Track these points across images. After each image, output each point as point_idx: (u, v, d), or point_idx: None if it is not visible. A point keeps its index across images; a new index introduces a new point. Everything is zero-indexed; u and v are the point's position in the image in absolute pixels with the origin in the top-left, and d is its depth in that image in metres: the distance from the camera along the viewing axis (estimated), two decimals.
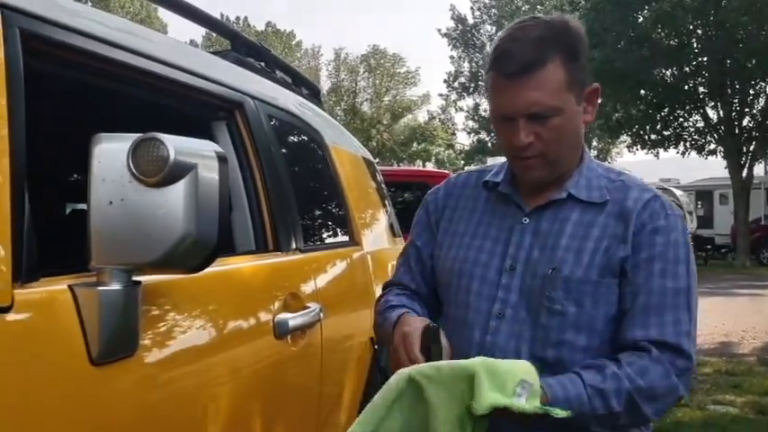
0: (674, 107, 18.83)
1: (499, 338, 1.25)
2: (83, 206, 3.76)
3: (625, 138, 20.78)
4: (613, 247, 1.23)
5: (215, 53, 2.12)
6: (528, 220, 1.30)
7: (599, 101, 1.32)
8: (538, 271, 1.25)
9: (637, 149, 20.41)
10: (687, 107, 19.04)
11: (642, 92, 18.19)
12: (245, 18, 37.80)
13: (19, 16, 1.11)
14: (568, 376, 1.16)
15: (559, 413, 1.04)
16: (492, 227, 1.34)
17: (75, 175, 3.60)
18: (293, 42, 38.37)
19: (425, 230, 1.44)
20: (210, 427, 1.33)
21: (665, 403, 1.19)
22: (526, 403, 1.04)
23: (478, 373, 1.04)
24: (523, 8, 28.94)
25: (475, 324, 1.27)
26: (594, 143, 29.90)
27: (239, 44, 2.28)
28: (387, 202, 3.26)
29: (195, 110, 1.76)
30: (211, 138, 1.75)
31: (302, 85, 2.81)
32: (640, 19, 17.09)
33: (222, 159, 1.10)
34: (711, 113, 18.89)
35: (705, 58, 17.84)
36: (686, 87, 18.49)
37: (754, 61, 16.73)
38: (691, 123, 19.58)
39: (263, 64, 2.35)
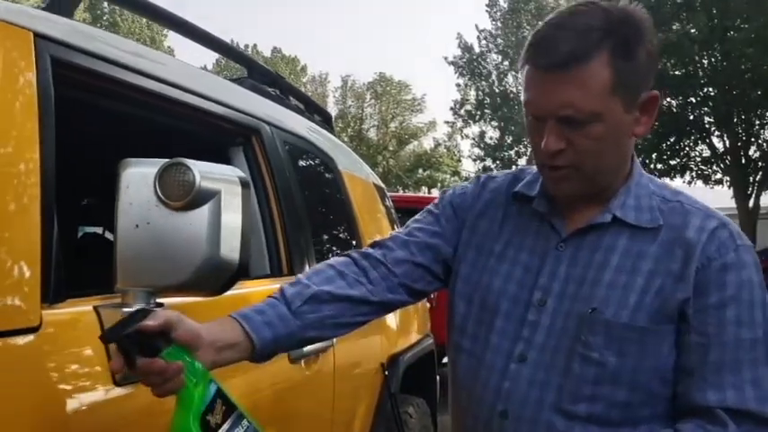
0: (680, 137, 18.89)
1: (519, 386, 1.06)
2: (94, 229, 3.80)
3: None
4: (668, 287, 1.02)
5: (232, 80, 2.16)
6: (564, 247, 1.08)
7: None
8: (574, 309, 1.04)
9: None
10: (693, 137, 19.10)
11: None
12: (255, 45, 38.28)
13: (50, 44, 1.14)
14: None
15: None
16: (523, 250, 1.12)
17: (87, 199, 3.64)
18: (298, 68, 38.77)
19: (450, 221, 1.19)
20: None
21: None
22: None
23: None
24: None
25: (493, 366, 1.09)
26: None
27: (255, 71, 2.33)
28: (396, 227, 3.28)
29: (214, 135, 1.79)
30: (228, 162, 1.78)
31: (315, 111, 2.85)
32: None
33: (245, 185, 1.12)
34: (717, 143, 18.94)
35: (711, 89, 17.95)
36: (692, 117, 18.58)
37: (759, 92, 16.81)
38: (697, 153, 19.63)
39: (277, 91, 2.39)
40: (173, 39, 33.36)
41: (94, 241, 3.40)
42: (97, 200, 3.26)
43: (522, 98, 1.07)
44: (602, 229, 1.07)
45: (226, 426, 0.90)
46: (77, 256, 2.84)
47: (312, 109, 2.82)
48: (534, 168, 1.17)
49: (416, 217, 1.23)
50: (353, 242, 2.48)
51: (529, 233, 1.13)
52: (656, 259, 1.04)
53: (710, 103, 18.20)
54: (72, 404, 0.95)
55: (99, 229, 3.71)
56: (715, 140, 19.00)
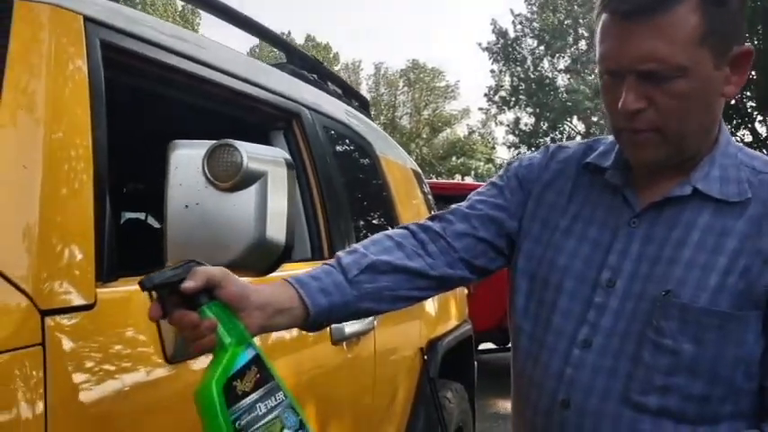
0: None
1: (583, 373, 0.98)
2: (136, 214, 3.87)
3: None
4: (756, 268, 0.91)
5: (273, 65, 2.17)
6: (637, 223, 0.99)
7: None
8: (646, 291, 0.95)
9: None
10: (735, 121, 18.63)
11: None
12: (289, 32, 38.41)
13: (99, 27, 1.16)
14: None
15: None
16: (592, 225, 1.02)
17: (129, 184, 3.71)
18: (331, 55, 38.82)
19: (515, 194, 1.11)
20: None
21: None
22: None
23: None
24: (566, 21, 28.77)
25: (555, 350, 1.01)
26: None
27: (293, 56, 2.33)
28: (434, 212, 3.27)
29: (255, 119, 1.80)
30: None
31: (352, 96, 2.85)
32: None
33: (290, 166, 1.12)
34: (760, 128, 18.46)
35: (753, 72, 17.46)
36: (733, 102, 18.11)
37: None
38: (738, 138, 19.15)
39: (315, 76, 2.39)
40: (204, 26, 33.62)
41: (137, 227, 3.47)
42: (139, 185, 3.31)
43: (596, 53, 0.96)
44: (682, 204, 0.97)
45: (255, 395, 0.84)
46: (121, 241, 2.89)
47: (349, 94, 2.82)
48: (610, 138, 1.08)
49: (479, 189, 1.16)
50: (391, 227, 2.48)
51: (599, 207, 1.04)
52: (743, 237, 0.93)
53: (752, 87, 17.71)
54: (126, 380, 0.97)
55: (141, 216, 3.77)
56: (758, 126, 18.52)
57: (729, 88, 0.95)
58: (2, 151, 0.90)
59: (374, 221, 2.51)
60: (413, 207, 2.84)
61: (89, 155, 1.04)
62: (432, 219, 1.13)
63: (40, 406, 0.81)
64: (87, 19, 1.13)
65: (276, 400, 0.86)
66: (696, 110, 0.93)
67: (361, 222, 2.30)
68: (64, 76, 1.06)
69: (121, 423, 0.96)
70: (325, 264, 1.04)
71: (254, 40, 30.71)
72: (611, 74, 0.93)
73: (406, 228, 1.12)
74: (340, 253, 1.06)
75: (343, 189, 2.03)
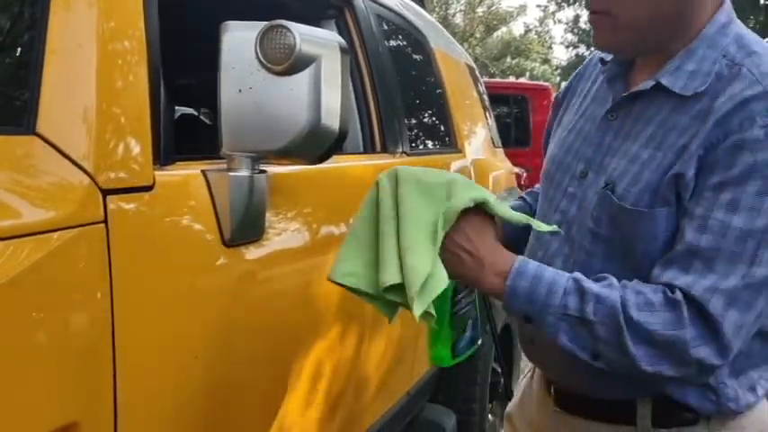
0: None
1: (549, 258, 1.03)
2: (188, 110, 3.89)
3: None
4: (678, 163, 0.89)
5: None
6: (615, 116, 1.00)
7: None
8: (599, 183, 0.98)
9: None
10: None
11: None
12: None
13: None
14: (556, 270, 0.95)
15: (543, 227, 0.97)
16: (589, 120, 1.05)
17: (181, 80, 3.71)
18: None
19: (554, 112, 1.21)
20: (323, 303, 1.39)
21: (666, 357, 0.86)
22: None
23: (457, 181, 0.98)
24: None
25: (539, 237, 1.08)
26: None
27: None
28: (488, 113, 3.19)
29: (305, 6, 1.75)
30: None
31: None
32: None
33: (344, 51, 1.09)
34: None
35: None
36: None
37: None
38: None
39: None
40: None
41: (191, 122, 3.50)
42: (190, 80, 3.31)
43: None
44: (650, 98, 0.96)
45: (465, 290, 1.20)
46: (175, 135, 2.92)
47: None
48: None
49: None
50: (445, 122, 2.43)
51: (596, 101, 1.07)
52: (682, 132, 0.91)
53: None
54: (185, 262, 1.00)
55: (194, 112, 3.80)
56: None
57: None
58: (57, 28, 0.88)
59: (426, 116, 2.46)
60: (467, 104, 2.77)
61: (143, 40, 1.01)
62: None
63: (107, 284, 0.84)
64: None
65: (471, 297, 1.19)
66: None
67: (414, 116, 2.26)
68: None
69: (183, 303, 0.99)
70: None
71: None
72: None
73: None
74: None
75: (396, 82, 1.99)
